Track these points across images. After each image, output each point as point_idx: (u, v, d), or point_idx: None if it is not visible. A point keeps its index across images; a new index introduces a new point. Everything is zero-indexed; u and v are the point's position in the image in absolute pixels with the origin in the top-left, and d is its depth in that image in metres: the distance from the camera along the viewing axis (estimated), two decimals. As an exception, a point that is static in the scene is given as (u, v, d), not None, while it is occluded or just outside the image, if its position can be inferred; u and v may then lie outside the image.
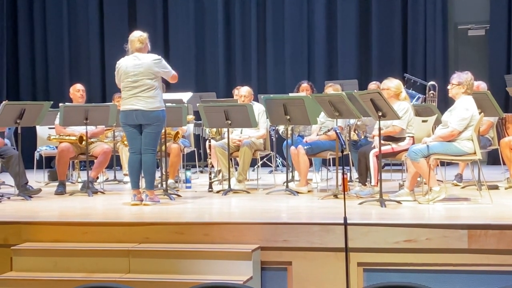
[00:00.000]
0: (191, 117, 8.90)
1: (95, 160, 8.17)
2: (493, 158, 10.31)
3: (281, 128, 9.08)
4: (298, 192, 7.54)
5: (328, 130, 7.80)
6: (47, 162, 10.16)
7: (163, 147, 7.79)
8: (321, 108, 7.62)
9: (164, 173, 7.84)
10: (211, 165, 8.65)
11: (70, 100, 8.69)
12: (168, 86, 9.07)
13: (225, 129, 8.34)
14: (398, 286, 3.71)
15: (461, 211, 6.31)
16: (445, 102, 9.65)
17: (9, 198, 7.51)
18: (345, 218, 5.30)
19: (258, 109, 8.30)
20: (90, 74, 12.44)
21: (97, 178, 8.60)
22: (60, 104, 8.08)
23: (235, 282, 4.78)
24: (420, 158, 6.53)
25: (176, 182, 8.47)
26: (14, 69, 12.69)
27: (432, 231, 5.27)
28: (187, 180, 8.48)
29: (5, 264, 5.66)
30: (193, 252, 5.40)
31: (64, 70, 12.53)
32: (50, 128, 8.92)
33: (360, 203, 6.57)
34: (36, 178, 9.38)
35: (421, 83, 10.66)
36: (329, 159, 8.12)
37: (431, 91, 10.25)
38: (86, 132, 7.89)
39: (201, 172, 10.45)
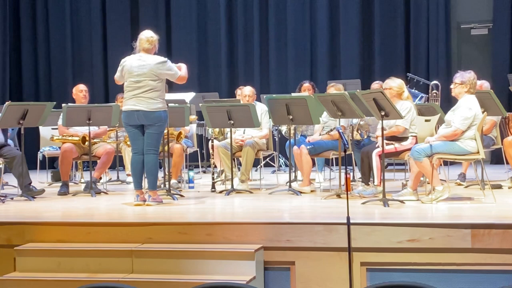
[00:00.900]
0: (193, 117, 8.90)
1: (98, 161, 8.18)
2: (497, 157, 10.30)
3: (283, 128, 9.08)
4: (301, 192, 7.54)
5: (331, 130, 7.80)
6: (50, 163, 10.16)
7: (166, 148, 7.79)
8: (323, 108, 7.61)
9: (167, 173, 7.84)
10: (214, 165, 8.65)
11: (73, 101, 8.71)
12: (170, 87, 9.08)
13: (227, 129, 8.34)
14: (401, 286, 3.70)
15: (464, 211, 6.30)
16: (448, 102, 9.64)
17: (12, 198, 7.52)
18: (348, 218, 5.29)
19: (261, 109, 8.31)
20: (93, 75, 12.46)
21: (100, 178, 8.62)
22: (63, 105, 8.09)
23: (238, 282, 4.78)
24: (423, 158, 6.52)
25: (179, 182, 8.47)
26: (17, 70, 12.71)
27: (435, 231, 5.27)
28: (190, 180, 8.49)
29: (8, 265, 5.66)
30: (196, 252, 5.40)
31: (67, 71, 12.55)
32: (53, 128, 8.94)
33: (363, 203, 6.57)
34: (39, 178, 9.39)
35: (424, 83, 10.66)
36: (332, 158, 8.11)
37: (434, 91, 10.24)
38: (89, 133, 7.90)
39: (204, 172, 10.46)
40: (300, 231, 5.45)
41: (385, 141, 6.81)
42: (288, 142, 8.42)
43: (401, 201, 6.58)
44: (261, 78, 11.95)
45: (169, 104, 7.23)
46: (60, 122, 8.23)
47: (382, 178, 6.69)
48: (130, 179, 8.54)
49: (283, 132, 9.27)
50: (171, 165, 8.07)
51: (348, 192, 5.64)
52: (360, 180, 7.49)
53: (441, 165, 7.14)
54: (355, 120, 7.81)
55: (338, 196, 7.08)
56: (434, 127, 7.48)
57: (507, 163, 7.93)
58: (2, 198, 7.37)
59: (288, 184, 7.76)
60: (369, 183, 7.19)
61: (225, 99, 10.33)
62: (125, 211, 6.70)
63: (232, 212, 6.82)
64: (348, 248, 5.28)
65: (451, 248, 5.23)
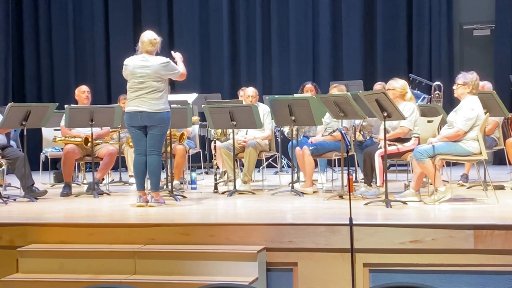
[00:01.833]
0: (196, 118, 8.91)
1: (100, 162, 8.18)
2: (499, 158, 10.29)
3: (286, 129, 9.08)
4: (303, 193, 7.53)
5: (333, 131, 7.79)
6: (53, 164, 10.18)
7: (169, 149, 7.79)
8: (326, 108, 7.61)
9: (169, 174, 7.84)
10: (216, 166, 8.65)
11: (76, 102, 8.71)
12: (173, 88, 9.08)
13: (230, 130, 8.34)
14: (404, 287, 3.70)
15: (467, 212, 6.29)
16: (450, 102, 9.63)
17: (15, 199, 7.53)
18: (350, 219, 5.29)
19: (263, 110, 8.31)
20: (95, 76, 12.46)
21: (103, 179, 8.63)
22: (66, 106, 8.10)
23: (241, 283, 4.78)
24: (426, 159, 6.52)
25: (182, 183, 8.47)
26: (20, 71, 12.71)
27: (438, 232, 5.26)
28: (193, 181, 8.49)
29: (11, 266, 5.67)
30: (198, 253, 5.40)
31: (69, 72, 12.55)
32: (55, 129, 8.95)
33: (366, 204, 6.56)
34: (42, 179, 9.39)
35: (427, 83, 10.65)
36: (335, 159, 8.11)
37: (437, 91, 10.23)
38: (92, 134, 7.90)
39: (207, 173, 10.46)
40: (302, 232, 5.44)
41: (387, 142, 6.80)
42: (290, 143, 8.42)
43: (404, 202, 6.58)
44: (263, 79, 11.96)
45: (172, 105, 7.23)
46: (62, 123, 8.23)
47: (384, 179, 6.68)
48: (132, 180, 8.54)
49: (285, 133, 9.27)
50: (174, 166, 8.08)
51: (351, 193, 5.64)
52: (363, 181, 7.49)
53: (443, 166, 7.13)
54: (357, 121, 7.81)
55: (341, 197, 7.08)
56: (437, 128, 7.47)
57: (510, 164, 7.93)
58: (5, 199, 7.38)
59: (290, 185, 7.76)
60: (372, 184, 7.18)
61: (228, 100, 10.33)
62: (128, 212, 6.70)
63: (235, 213, 6.82)
64: (351, 249, 5.28)
65: (454, 249, 5.22)
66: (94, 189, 7.83)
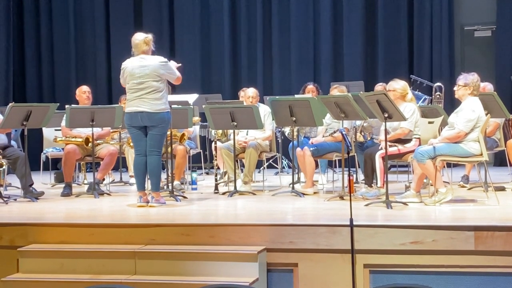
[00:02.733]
0: (197, 118, 8.90)
1: (101, 162, 8.19)
2: (500, 160, 10.29)
3: (287, 130, 9.08)
4: (304, 194, 7.53)
5: (334, 132, 7.79)
6: (54, 164, 10.18)
7: (169, 149, 7.79)
8: (327, 109, 7.61)
9: (170, 174, 7.84)
10: (217, 167, 8.65)
11: (76, 102, 8.71)
12: (173, 88, 9.08)
13: (230, 131, 8.34)
14: (404, 288, 3.70)
15: (468, 213, 6.29)
16: (451, 104, 9.62)
17: (15, 199, 7.53)
18: (351, 220, 5.29)
19: (264, 110, 8.31)
20: (96, 76, 12.46)
21: (103, 179, 8.62)
22: (67, 106, 8.10)
23: (241, 284, 4.78)
24: (427, 160, 6.52)
25: (182, 183, 8.47)
26: (21, 71, 12.71)
27: (439, 233, 5.26)
28: (193, 182, 8.49)
29: (11, 266, 5.67)
30: (199, 254, 5.40)
31: (70, 72, 12.55)
32: (56, 130, 8.94)
33: (366, 205, 6.56)
34: (43, 180, 9.39)
35: (427, 85, 10.65)
36: (335, 160, 8.11)
37: (437, 93, 10.23)
38: (92, 134, 7.91)
39: (207, 173, 10.46)
40: (303, 233, 5.44)
41: (388, 143, 6.80)
42: (291, 143, 8.42)
43: (404, 203, 6.58)
44: (264, 80, 11.95)
45: (172, 106, 7.23)
46: (63, 123, 8.23)
47: (385, 180, 6.68)
48: (133, 180, 8.54)
49: (286, 134, 9.27)
50: (174, 166, 8.08)
51: (351, 194, 5.64)
52: (363, 182, 7.49)
53: (444, 167, 7.13)
54: (358, 122, 7.80)
55: (341, 198, 7.08)
56: (438, 129, 7.47)
57: (511, 165, 7.92)
58: (6, 199, 7.37)
59: (291, 185, 7.76)
60: (372, 185, 7.18)
61: (228, 100, 10.33)
62: (128, 213, 6.70)
63: (235, 214, 6.82)
64: (351, 250, 5.28)
65: (454, 250, 5.22)
66: (95, 189, 7.83)
